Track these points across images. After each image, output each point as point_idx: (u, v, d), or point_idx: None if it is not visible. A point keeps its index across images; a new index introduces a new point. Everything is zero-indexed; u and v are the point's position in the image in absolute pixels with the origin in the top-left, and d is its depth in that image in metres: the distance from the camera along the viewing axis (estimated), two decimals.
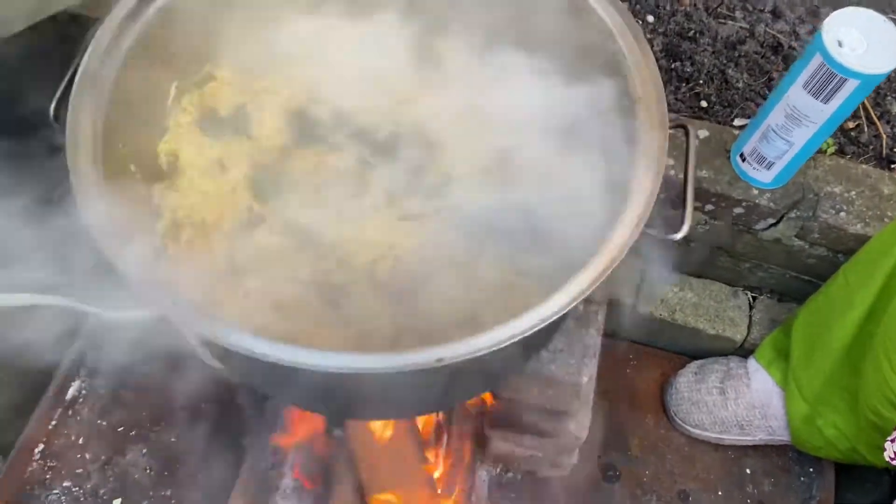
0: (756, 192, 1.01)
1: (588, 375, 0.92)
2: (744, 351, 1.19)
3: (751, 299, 1.19)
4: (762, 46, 1.18)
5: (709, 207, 1.05)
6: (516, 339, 0.60)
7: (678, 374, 1.20)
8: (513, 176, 0.84)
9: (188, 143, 0.84)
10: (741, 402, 1.13)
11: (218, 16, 0.85)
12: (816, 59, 0.82)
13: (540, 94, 0.82)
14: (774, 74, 1.16)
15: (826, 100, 0.84)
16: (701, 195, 1.03)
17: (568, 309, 0.61)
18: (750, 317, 1.18)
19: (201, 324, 0.61)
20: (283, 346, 0.60)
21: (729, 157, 1.03)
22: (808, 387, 1.05)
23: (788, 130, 0.91)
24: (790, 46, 1.18)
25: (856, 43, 0.81)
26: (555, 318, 0.61)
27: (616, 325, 1.20)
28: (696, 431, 1.17)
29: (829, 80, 0.82)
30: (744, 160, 1.00)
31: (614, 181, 0.75)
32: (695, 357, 1.22)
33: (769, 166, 0.97)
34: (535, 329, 0.60)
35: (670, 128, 0.76)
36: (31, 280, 0.88)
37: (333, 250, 0.80)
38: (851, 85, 0.81)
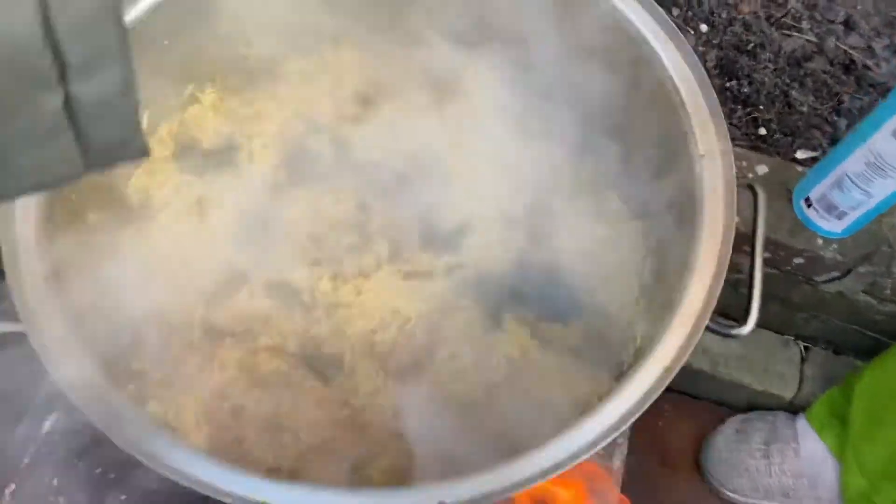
0: (821, 241, 0.88)
1: (620, 458, 0.80)
2: (793, 406, 1.06)
3: (803, 350, 1.06)
4: (832, 64, 1.04)
5: (764, 255, 0.91)
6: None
7: (717, 431, 1.07)
8: (542, 232, 0.72)
9: (163, 180, 0.72)
10: (787, 469, 1.01)
11: (200, 28, 0.72)
12: None
13: (577, 137, 0.69)
14: (845, 98, 1.01)
15: None
16: None
17: (593, 450, 0.49)
18: (801, 371, 1.05)
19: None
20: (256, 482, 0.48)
21: (791, 200, 0.89)
22: (870, 461, 0.92)
23: (869, 181, 0.77)
24: (864, 65, 1.03)
25: None
26: (582, 456, 0.48)
27: None
28: (735, 497, 1.04)
29: None
30: (809, 206, 0.86)
31: (665, 255, 0.63)
32: (737, 409, 1.10)
33: (840, 216, 0.83)
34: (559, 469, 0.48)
35: (738, 186, 0.63)
36: None
37: (326, 316, 0.69)
38: None
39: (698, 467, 1.08)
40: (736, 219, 0.57)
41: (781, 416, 1.05)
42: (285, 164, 0.75)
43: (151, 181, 0.71)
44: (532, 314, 0.70)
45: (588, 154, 0.71)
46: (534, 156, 0.72)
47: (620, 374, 0.63)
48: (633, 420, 0.51)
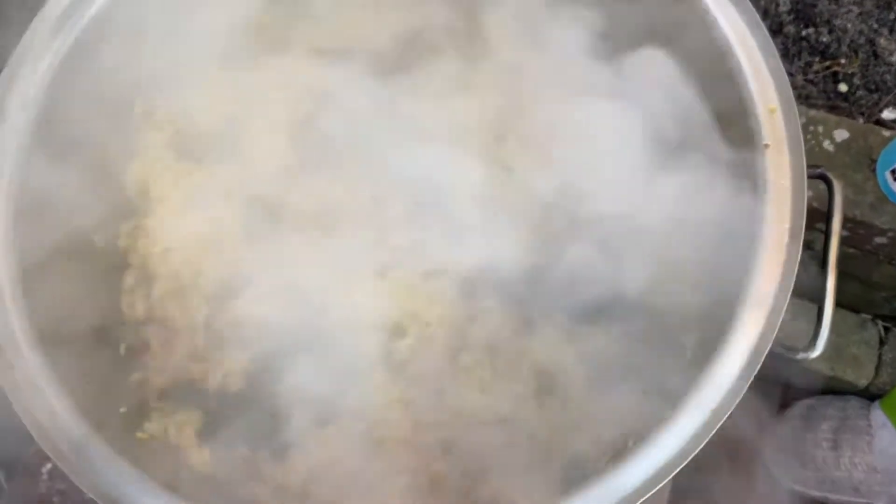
0: None
1: None
2: (868, 394, 0.96)
3: (882, 331, 0.95)
4: None
5: (843, 234, 0.80)
6: None
7: (782, 417, 0.98)
8: (580, 226, 0.63)
9: (161, 170, 0.66)
10: (859, 463, 0.92)
11: None
12: None
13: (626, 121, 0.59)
14: None
15: None
16: None
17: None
18: (880, 355, 0.94)
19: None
20: None
21: (874, 169, 0.78)
22: None
23: None
24: None
25: None
26: None
27: None
28: (799, 488, 0.96)
29: None
30: None
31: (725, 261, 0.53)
32: (806, 391, 1.00)
33: None
34: None
35: (809, 177, 0.53)
36: None
37: (340, 323, 0.62)
38: None
39: (760, 456, 0.99)
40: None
41: (854, 403, 0.96)
42: (295, 146, 0.68)
43: (149, 172, 0.65)
44: (569, 316, 0.62)
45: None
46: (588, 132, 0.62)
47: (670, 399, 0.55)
48: (675, 472, 0.43)
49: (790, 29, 0.88)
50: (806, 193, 0.47)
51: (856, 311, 0.95)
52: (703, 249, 0.55)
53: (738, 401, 0.44)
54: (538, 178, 0.64)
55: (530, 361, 0.62)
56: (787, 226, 0.47)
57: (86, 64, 0.59)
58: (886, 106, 0.85)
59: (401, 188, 0.65)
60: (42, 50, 0.57)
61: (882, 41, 0.87)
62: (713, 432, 0.43)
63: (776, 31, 0.88)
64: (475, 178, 0.64)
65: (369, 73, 0.68)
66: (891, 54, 0.87)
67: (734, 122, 0.51)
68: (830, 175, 0.52)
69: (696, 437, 0.43)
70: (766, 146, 0.49)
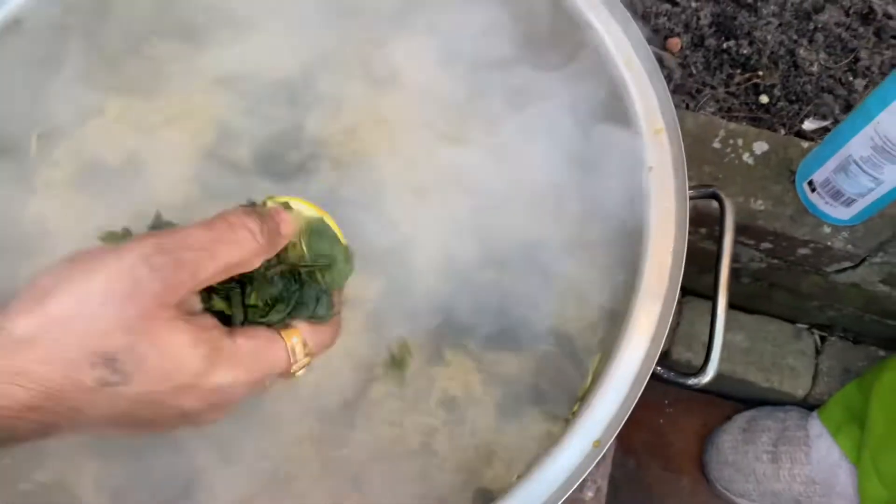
0: (828, 230, 0.76)
1: (593, 490, 0.72)
2: (807, 404, 0.96)
3: (818, 341, 0.95)
4: (847, 14, 0.90)
5: (765, 245, 0.80)
6: None
7: (721, 430, 0.98)
8: (491, 247, 0.62)
9: (61, 206, 0.64)
10: (798, 475, 0.91)
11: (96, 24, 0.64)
12: None
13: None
14: (863, 53, 0.88)
15: None
16: (756, 232, 0.78)
17: None
18: (816, 364, 0.94)
19: None
20: None
21: (793, 181, 0.78)
22: (891, 471, 0.82)
23: (878, 166, 0.65)
24: (886, 13, 0.89)
25: None
26: None
27: None
28: (741, 501, 0.96)
29: None
30: (813, 190, 0.74)
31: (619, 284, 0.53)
32: (746, 402, 1.00)
33: (848, 203, 0.72)
34: None
35: (700, 197, 0.53)
36: None
37: None
38: None
39: (702, 468, 0.99)
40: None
41: (793, 414, 0.95)
42: (198, 177, 0.66)
43: (48, 208, 0.64)
44: (477, 343, 0.61)
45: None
46: (478, 161, 0.62)
47: (568, 418, 0.54)
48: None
49: (711, 42, 0.88)
50: (688, 213, 0.47)
51: (791, 321, 0.95)
52: (594, 270, 0.54)
53: (620, 427, 0.43)
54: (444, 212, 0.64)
55: (439, 391, 0.60)
56: (670, 249, 0.46)
57: None
58: (807, 116, 0.85)
59: None
60: None
61: (802, 52, 0.88)
62: (593, 464, 0.42)
63: (697, 44, 0.88)
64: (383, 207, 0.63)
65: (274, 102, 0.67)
66: (811, 65, 0.87)
67: (621, 147, 0.50)
68: (722, 194, 0.51)
69: (579, 468, 0.42)
70: (650, 168, 0.48)
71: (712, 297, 0.48)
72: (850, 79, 0.87)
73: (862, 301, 0.85)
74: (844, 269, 0.80)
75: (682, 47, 0.86)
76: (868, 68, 0.87)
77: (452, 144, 0.64)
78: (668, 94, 0.50)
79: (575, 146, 0.52)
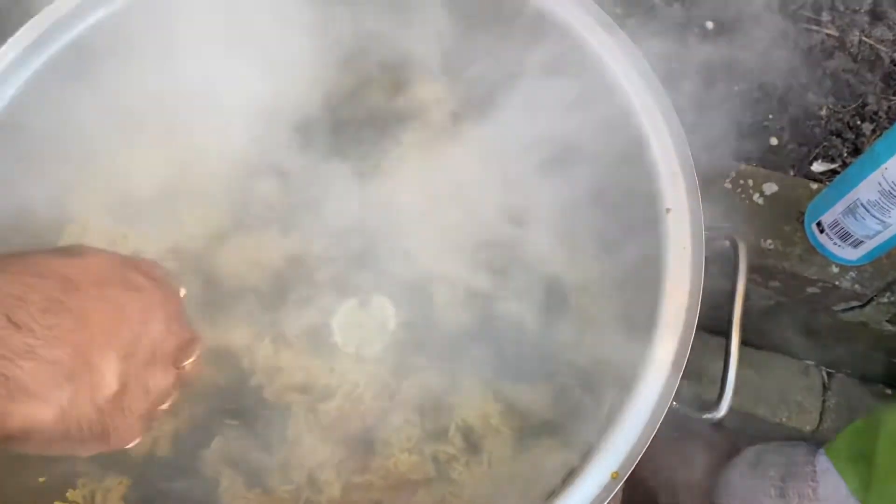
0: (836, 269, 0.78)
1: None
2: (815, 440, 0.97)
3: (825, 377, 0.97)
4: (855, 61, 0.92)
5: (773, 284, 0.82)
6: None
7: (730, 465, 0.99)
8: (506, 281, 0.64)
9: (97, 233, 0.67)
10: None
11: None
12: None
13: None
14: (870, 98, 0.90)
15: None
16: (765, 271, 0.81)
17: None
18: (823, 401, 0.96)
19: None
20: None
21: (802, 221, 0.80)
22: None
23: (885, 210, 0.67)
24: (892, 61, 0.92)
25: None
26: None
27: None
28: None
29: None
30: (822, 231, 0.76)
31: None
32: (753, 438, 1.01)
33: (856, 244, 0.74)
34: None
35: (713, 240, 0.55)
36: None
37: (267, 383, 0.63)
38: None
39: (711, 503, 1.00)
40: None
41: (801, 449, 0.96)
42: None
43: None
44: (496, 374, 0.63)
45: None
46: (493, 197, 0.64)
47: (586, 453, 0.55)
48: None
49: (721, 87, 0.91)
50: (704, 254, 0.49)
51: (798, 357, 0.97)
52: (614, 305, 0.56)
53: (637, 461, 0.44)
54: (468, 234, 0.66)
55: (458, 420, 0.62)
56: (686, 287, 0.48)
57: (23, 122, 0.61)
58: (816, 159, 0.88)
59: (335, 250, 0.67)
60: None
61: (810, 96, 0.90)
62: (612, 495, 0.44)
63: (709, 87, 0.90)
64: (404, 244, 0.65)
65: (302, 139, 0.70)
66: (819, 109, 0.90)
67: (638, 188, 0.53)
68: (736, 237, 0.54)
69: (597, 499, 0.44)
70: (668, 210, 0.51)
71: (726, 335, 0.50)
72: (858, 123, 0.89)
73: (869, 340, 0.87)
74: (852, 308, 0.82)
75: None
76: (875, 113, 0.90)
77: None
78: (685, 140, 0.52)
79: (598, 188, 0.54)
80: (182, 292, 0.46)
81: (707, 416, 0.50)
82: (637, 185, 0.52)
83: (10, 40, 0.59)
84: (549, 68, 0.60)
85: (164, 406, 0.44)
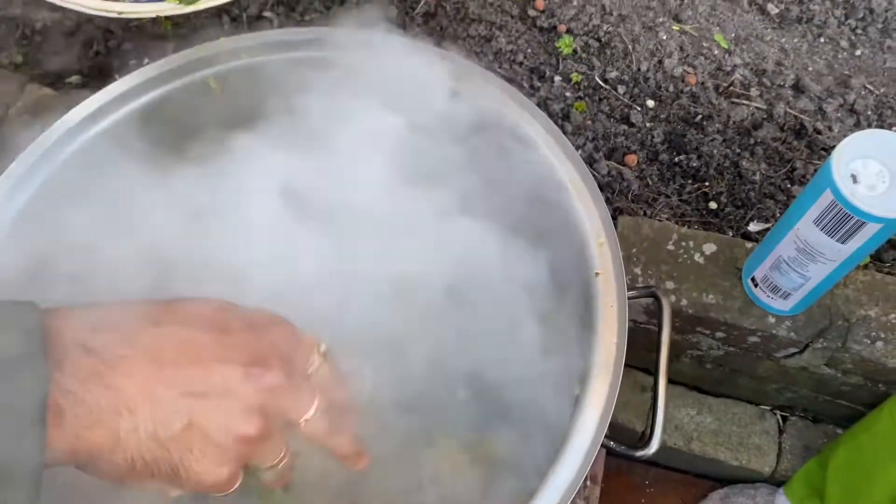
0: (773, 319, 0.86)
1: None
2: (774, 480, 1.03)
3: (780, 421, 1.04)
4: (782, 130, 1.03)
5: (719, 335, 0.90)
6: None
7: None
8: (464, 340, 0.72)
9: None
10: None
11: None
12: (827, 196, 0.67)
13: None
14: (798, 163, 1.00)
15: (843, 240, 0.69)
16: (710, 323, 0.88)
17: None
18: (780, 443, 1.02)
19: None
20: None
21: (740, 277, 0.88)
22: None
23: (803, 265, 0.76)
24: (815, 129, 1.02)
25: (874, 178, 0.66)
26: None
27: None
28: None
29: (843, 221, 0.67)
30: (756, 286, 0.85)
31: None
32: (720, 480, 1.08)
33: (785, 296, 0.82)
34: None
35: (641, 297, 0.63)
36: None
37: None
38: (872, 228, 0.66)
39: None
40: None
41: (762, 491, 1.03)
42: None
43: None
44: (461, 428, 0.70)
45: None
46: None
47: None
48: None
49: (664, 157, 1.00)
50: (627, 312, 0.57)
51: (754, 403, 1.04)
52: (562, 360, 0.64)
53: (573, 496, 0.51)
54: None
55: (429, 473, 0.69)
56: (614, 340, 0.56)
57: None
58: (752, 220, 0.97)
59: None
60: None
61: (744, 163, 1.00)
62: None
63: (652, 158, 1.00)
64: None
65: None
66: (753, 174, 1.00)
67: (571, 254, 0.61)
68: (659, 293, 0.62)
69: None
70: (598, 274, 0.59)
71: (653, 377, 0.58)
72: (788, 185, 0.99)
73: (813, 383, 0.94)
74: (792, 355, 0.90)
75: (638, 162, 0.98)
76: (803, 176, 0.99)
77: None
78: (609, 214, 0.61)
79: (540, 257, 0.63)
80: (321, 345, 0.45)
81: (640, 453, 0.57)
82: (573, 254, 0.61)
83: None
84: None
85: (271, 461, 0.43)
